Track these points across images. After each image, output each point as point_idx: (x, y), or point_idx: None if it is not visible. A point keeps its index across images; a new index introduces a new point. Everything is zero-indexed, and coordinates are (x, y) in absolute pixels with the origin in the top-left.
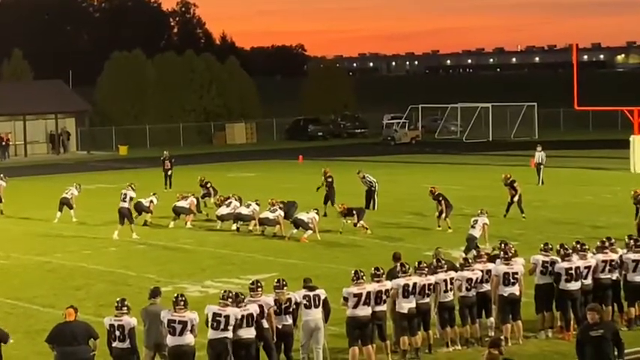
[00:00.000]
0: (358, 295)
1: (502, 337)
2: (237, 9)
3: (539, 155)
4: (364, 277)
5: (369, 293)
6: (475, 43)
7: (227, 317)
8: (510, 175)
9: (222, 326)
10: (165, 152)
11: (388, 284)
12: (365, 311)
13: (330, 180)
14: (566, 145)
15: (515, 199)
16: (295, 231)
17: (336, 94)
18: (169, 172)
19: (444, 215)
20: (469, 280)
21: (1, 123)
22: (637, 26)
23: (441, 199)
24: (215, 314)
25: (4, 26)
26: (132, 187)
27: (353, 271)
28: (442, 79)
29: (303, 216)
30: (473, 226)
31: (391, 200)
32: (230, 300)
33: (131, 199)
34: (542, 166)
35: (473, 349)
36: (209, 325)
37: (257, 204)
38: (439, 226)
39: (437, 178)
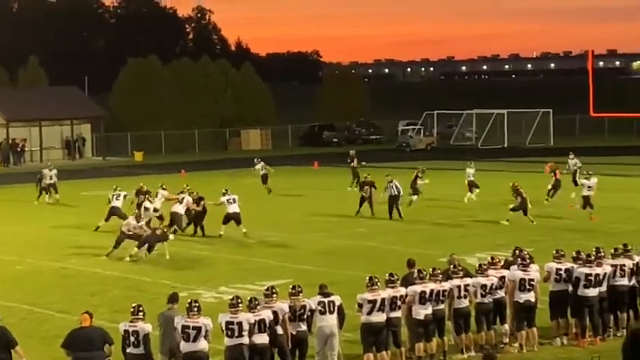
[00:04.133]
0: (373, 302)
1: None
2: (253, 15)
3: (572, 162)
4: (379, 284)
5: (383, 299)
6: (490, 49)
7: (240, 324)
8: (556, 167)
9: (236, 333)
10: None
11: (403, 290)
12: (379, 317)
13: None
14: (581, 151)
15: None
16: None
17: (351, 100)
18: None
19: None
20: (483, 286)
21: (18, 129)
22: None
23: (521, 192)
24: (228, 322)
25: (20, 32)
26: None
27: (367, 278)
28: (457, 86)
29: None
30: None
31: (406, 207)
32: (240, 305)
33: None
34: (577, 172)
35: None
36: (224, 333)
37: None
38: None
39: (452, 184)
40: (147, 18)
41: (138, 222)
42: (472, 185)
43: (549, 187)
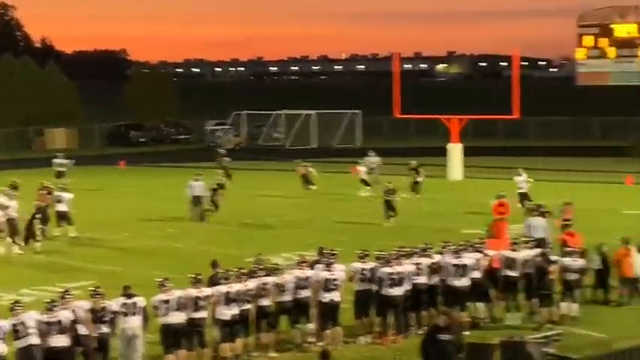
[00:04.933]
0: (167, 302)
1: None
2: (58, 12)
3: (370, 160)
4: (169, 284)
5: (179, 299)
6: (300, 50)
7: (23, 323)
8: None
9: (22, 334)
10: None
11: (207, 291)
12: (178, 318)
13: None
14: (387, 152)
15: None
16: None
17: (159, 99)
18: None
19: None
20: (279, 285)
21: None
22: (457, 36)
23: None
24: (13, 324)
25: None
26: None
27: (158, 279)
28: (267, 86)
29: None
30: None
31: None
32: (19, 308)
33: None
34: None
35: (291, 354)
36: (13, 337)
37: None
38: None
39: (260, 184)
40: None
41: None
42: (365, 183)
43: (413, 184)
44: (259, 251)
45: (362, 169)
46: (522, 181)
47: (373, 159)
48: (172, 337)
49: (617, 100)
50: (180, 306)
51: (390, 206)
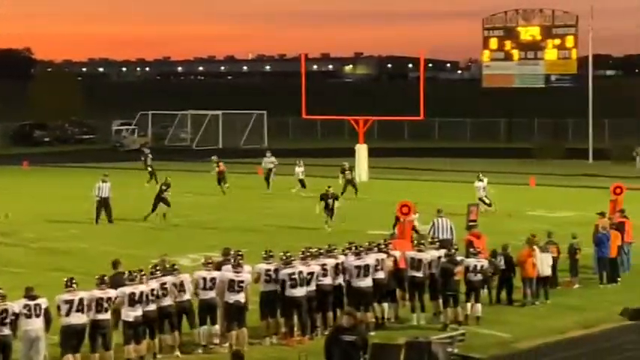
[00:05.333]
0: (70, 302)
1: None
2: None
3: (268, 161)
4: (76, 285)
5: (81, 300)
6: (206, 50)
7: None
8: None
9: None
10: None
11: (111, 292)
12: (80, 319)
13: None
14: (294, 153)
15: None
16: None
17: (64, 99)
18: None
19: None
20: (177, 285)
21: None
22: (364, 38)
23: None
24: None
25: None
26: None
27: (65, 279)
28: (173, 86)
29: None
30: None
31: (119, 208)
32: None
33: None
34: (272, 173)
35: (196, 355)
36: None
37: None
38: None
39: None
40: None
41: None
42: (302, 183)
43: (342, 184)
44: (165, 252)
45: (299, 170)
46: (482, 187)
47: (270, 159)
48: (74, 338)
49: (521, 102)
50: (84, 307)
51: (328, 209)
